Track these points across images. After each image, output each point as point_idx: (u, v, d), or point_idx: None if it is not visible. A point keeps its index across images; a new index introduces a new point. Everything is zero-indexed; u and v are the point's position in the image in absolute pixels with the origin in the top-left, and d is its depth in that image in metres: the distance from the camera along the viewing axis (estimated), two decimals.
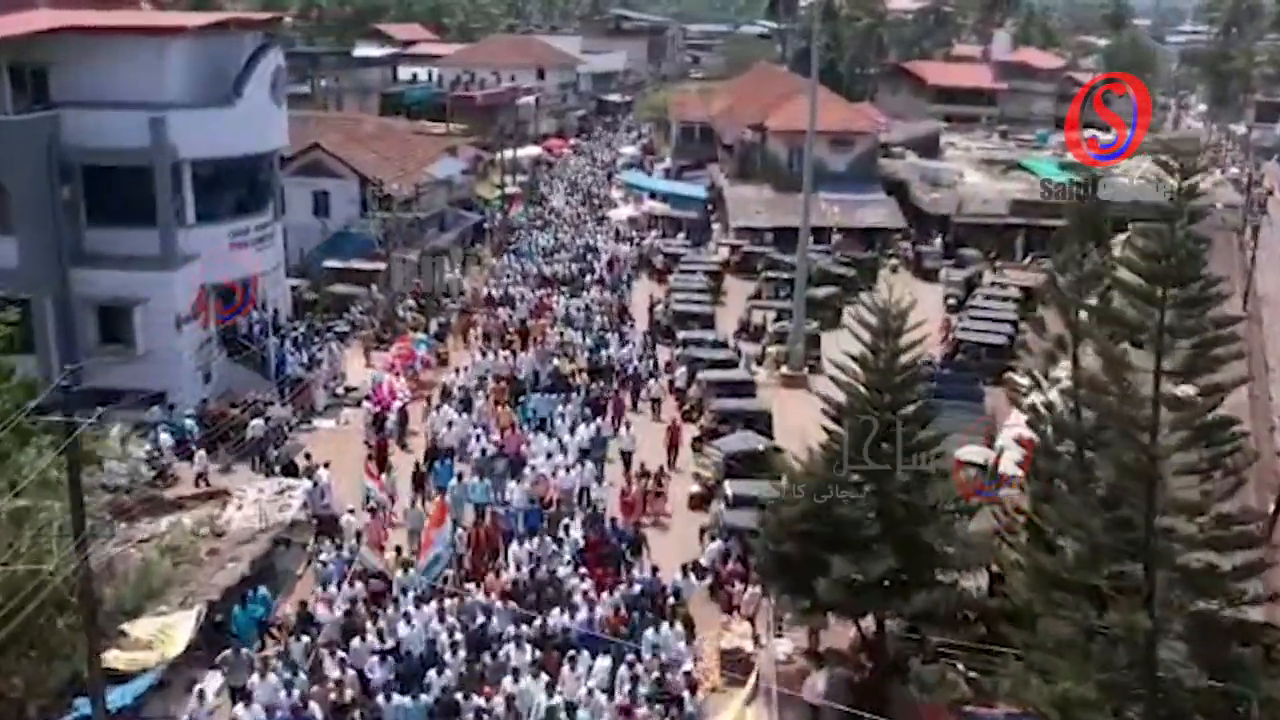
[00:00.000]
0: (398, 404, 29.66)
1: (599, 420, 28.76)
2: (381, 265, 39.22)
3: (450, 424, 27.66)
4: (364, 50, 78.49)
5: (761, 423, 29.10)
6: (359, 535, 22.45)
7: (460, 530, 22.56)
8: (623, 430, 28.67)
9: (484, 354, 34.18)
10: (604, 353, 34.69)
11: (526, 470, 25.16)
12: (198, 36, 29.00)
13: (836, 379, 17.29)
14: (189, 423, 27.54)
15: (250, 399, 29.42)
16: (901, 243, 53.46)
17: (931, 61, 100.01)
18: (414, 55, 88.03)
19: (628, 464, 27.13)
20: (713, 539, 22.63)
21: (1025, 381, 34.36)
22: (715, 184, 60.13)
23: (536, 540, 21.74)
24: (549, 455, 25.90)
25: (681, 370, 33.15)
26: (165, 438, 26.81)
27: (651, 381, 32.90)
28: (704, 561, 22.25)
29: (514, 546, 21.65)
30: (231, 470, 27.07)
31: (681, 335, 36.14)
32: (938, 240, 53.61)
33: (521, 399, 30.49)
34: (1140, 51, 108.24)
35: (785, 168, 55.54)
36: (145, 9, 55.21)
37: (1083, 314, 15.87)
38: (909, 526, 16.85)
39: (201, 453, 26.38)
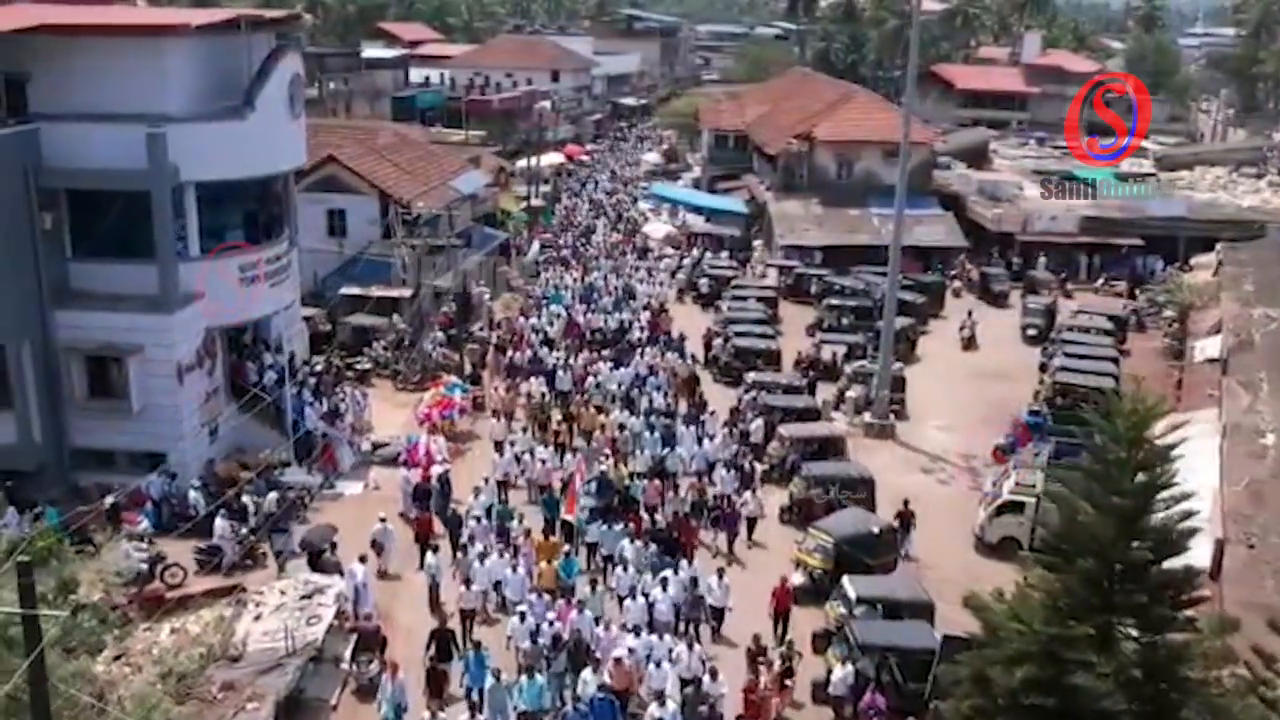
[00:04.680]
0: (437, 469, 25.29)
1: (683, 563, 21.19)
2: (406, 293, 34.92)
3: (469, 583, 20.45)
4: (372, 51, 74.30)
5: (863, 492, 25.05)
6: None
7: None
8: (712, 579, 20.91)
9: (504, 447, 26.69)
10: (673, 452, 26.62)
11: (598, 654, 18.58)
12: (201, 37, 24.56)
13: (1054, 497, 13.02)
14: (193, 495, 23.33)
15: (263, 461, 25.25)
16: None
17: (955, 64, 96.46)
18: (422, 56, 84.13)
19: (718, 623, 20.58)
20: (842, 661, 18.33)
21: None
22: (756, 198, 55.82)
23: None
24: (635, 632, 18.87)
25: (756, 422, 28.82)
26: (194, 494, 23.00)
27: (748, 495, 24.90)
28: (833, 690, 18.10)
29: None
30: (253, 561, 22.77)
31: (751, 378, 31.81)
32: (1000, 260, 49.61)
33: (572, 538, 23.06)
34: (1165, 54, 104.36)
35: (835, 180, 51.35)
36: (141, 5, 50.92)
37: None
38: (1159, 692, 12.68)
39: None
